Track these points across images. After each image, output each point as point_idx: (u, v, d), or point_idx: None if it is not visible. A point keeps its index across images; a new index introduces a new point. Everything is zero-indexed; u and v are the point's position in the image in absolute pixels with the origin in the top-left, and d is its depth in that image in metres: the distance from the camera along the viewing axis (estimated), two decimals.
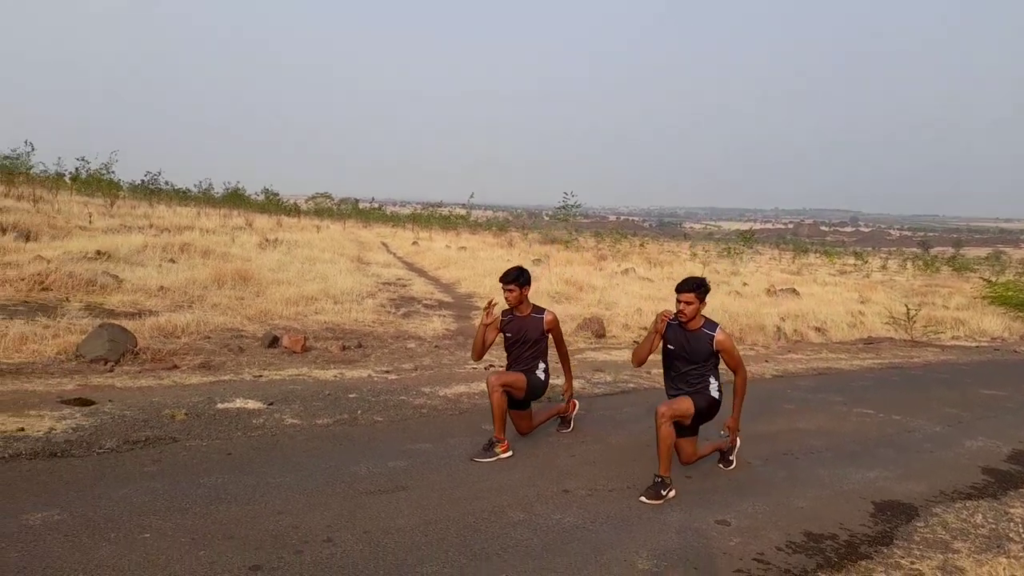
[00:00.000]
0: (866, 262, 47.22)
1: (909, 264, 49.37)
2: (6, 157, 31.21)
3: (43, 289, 9.98)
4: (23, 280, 10.06)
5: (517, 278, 5.16)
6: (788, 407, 7.34)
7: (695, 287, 4.63)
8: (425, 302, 14.07)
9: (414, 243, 33.71)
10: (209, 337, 8.69)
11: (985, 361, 12.08)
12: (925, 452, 6.02)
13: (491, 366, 8.11)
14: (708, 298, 4.80)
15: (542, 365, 5.32)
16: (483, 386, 5.99)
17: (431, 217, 65.68)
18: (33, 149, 31.59)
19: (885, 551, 3.91)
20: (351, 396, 6.35)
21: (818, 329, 14.33)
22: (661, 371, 5.02)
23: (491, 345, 5.33)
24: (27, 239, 13.98)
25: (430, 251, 27.90)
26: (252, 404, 5.79)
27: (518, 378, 5.16)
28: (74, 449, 4.49)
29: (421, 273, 20.22)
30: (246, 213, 36.34)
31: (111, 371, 6.72)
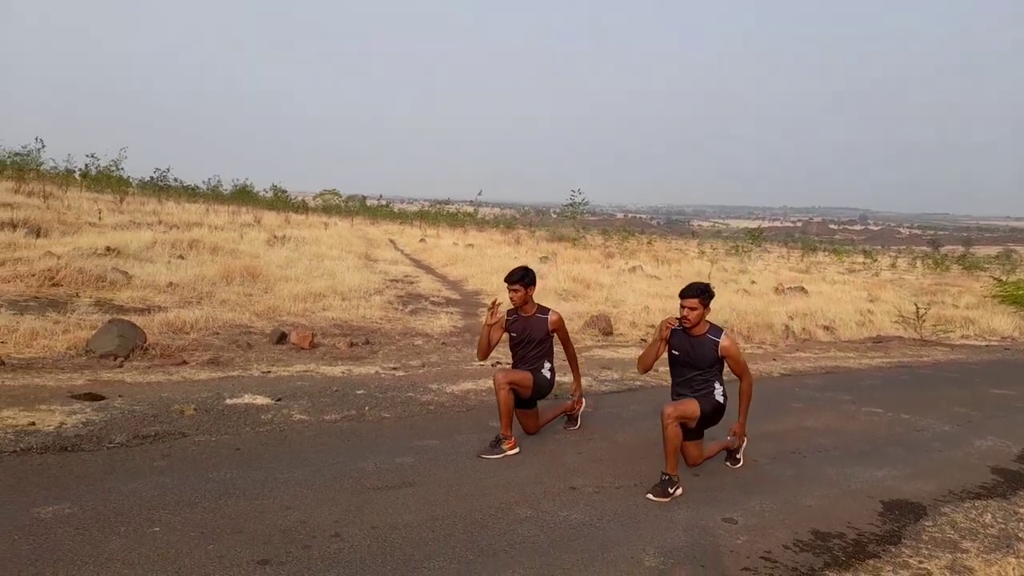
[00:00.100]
0: (875, 260, 46.98)
1: (919, 263, 49.10)
2: (17, 154, 31.40)
3: (53, 285, 10.05)
4: (34, 276, 10.13)
5: (522, 278, 5.15)
6: (796, 405, 7.32)
7: (698, 293, 4.60)
8: (432, 299, 14.09)
9: (421, 240, 33.75)
10: (218, 333, 8.73)
11: (995, 360, 12.00)
12: (934, 451, 6.00)
13: (498, 363, 8.11)
14: (714, 298, 4.79)
15: (548, 364, 5.32)
16: (490, 383, 6.00)
17: (439, 214, 65.72)
18: (43, 146, 31.77)
19: (893, 550, 3.90)
20: (359, 392, 6.36)
21: (826, 327, 14.28)
22: (668, 368, 5.01)
23: (496, 344, 5.33)
24: (37, 235, 14.06)
25: (437, 248, 27.92)
26: (260, 400, 5.82)
27: (525, 376, 5.16)
28: (84, 443, 4.52)
29: (428, 270, 20.25)
30: (254, 210, 36.42)
31: (121, 366, 6.76)
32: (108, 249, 12.98)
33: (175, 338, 8.16)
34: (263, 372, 6.98)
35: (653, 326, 4.44)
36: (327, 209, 58.38)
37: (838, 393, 8.06)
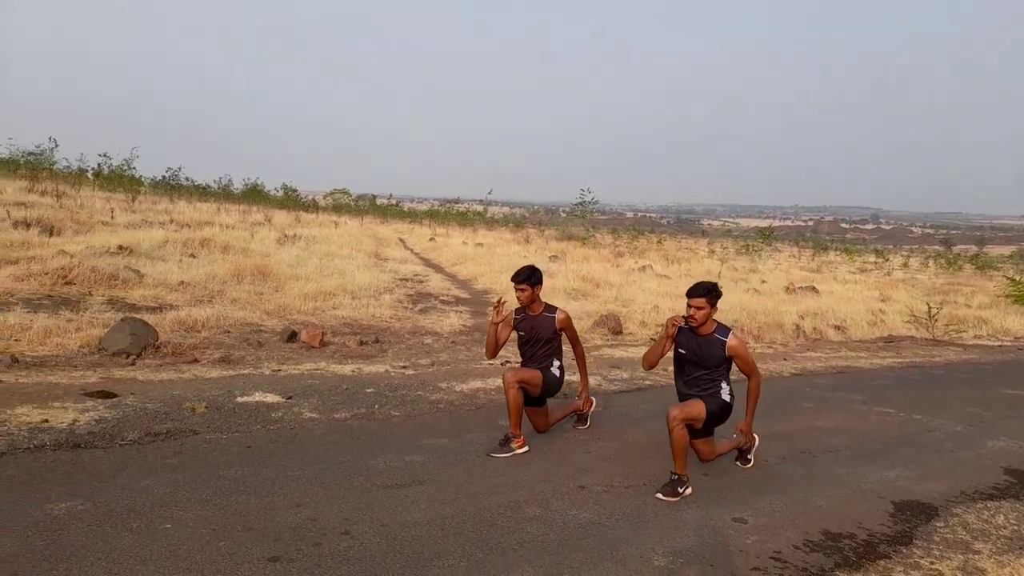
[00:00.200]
0: (887, 260, 46.65)
1: (931, 262, 48.74)
2: (30, 153, 31.68)
3: (66, 283, 10.13)
4: (47, 274, 10.21)
5: (529, 277, 5.15)
6: (807, 405, 7.29)
7: (706, 292, 4.58)
8: (442, 298, 14.12)
9: (431, 239, 33.79)
10: (229, 331, 8.78)
11: (1008, 361, 11.91)
12: (946, 452, 5.96)
13: (507, 362, 8.12)
14: (723, 296, 4.77)
15: (557, 363, 5.32)
16: (499, 382, 6.01)
17: (448, 213, 65.78)
18: (56, 145, 32.06)
19: (904, 551, 3.88)
20: (368, 391, 6.39)
21: (838, 327, 14.20)
22: (673, 368, 4.99)
23: (504, 343, 5.34)
24: (51, 234, 14.18)
25: (447, 247, 27.95)
26: (271, 398, 5.85)
27: (534, 375, 5.17)
28: (97, 440, 4.56)
29: (438, 269, 20.28)
30: (265, 209, 36.57)
31: (133, 364, 6.81)
32: (120, 248, 13.07)
33: (187, 336, 8.21)
34: (273, 370, 7.02)
35: (662, 326, 4.45)
36: (337, 208, 58.55)
37: (849, 393, 8.02)
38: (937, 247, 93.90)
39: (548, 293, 11.63)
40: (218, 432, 4.96)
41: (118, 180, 32.87)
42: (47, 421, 4.75)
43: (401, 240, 32.87)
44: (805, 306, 15.65)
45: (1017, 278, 24.20)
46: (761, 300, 16.01)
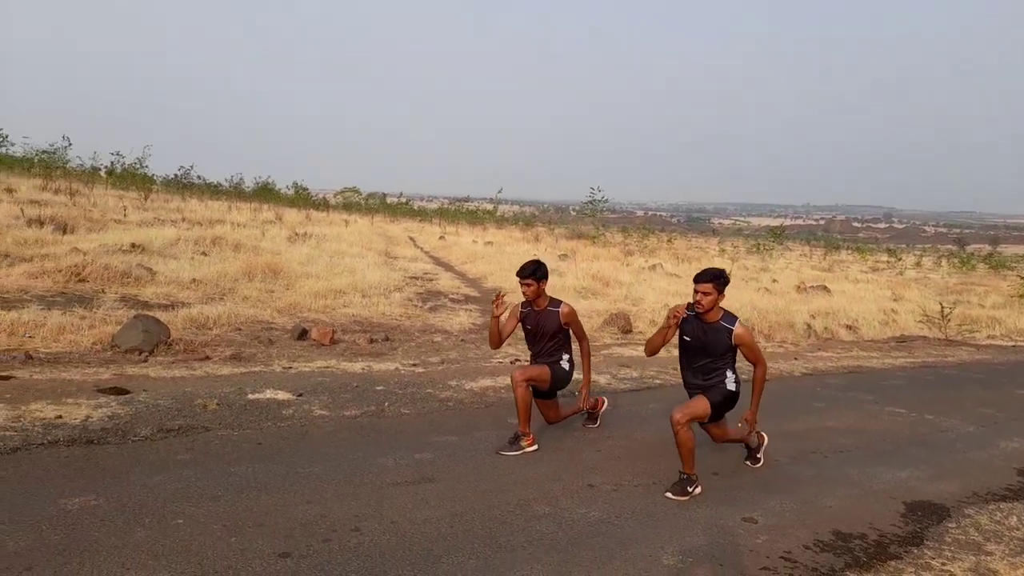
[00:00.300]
0: (900, 259, 46.33)
1: (944, 261, 48.40)
2: (44, 152, 31.94)
3: (80, 281, 10.21)
4: (60, 272, 10.30)
5: (534, 272, 5.11)
6: (817, 405, 7.26)
7: (713, 278, 4.49)
8: (452, 296, 14.14)
9: (441, 238, 33.83)
10: (240, 329, 8.83)
11: (1022, 361, 11.81)
12: (958, 452, 5.92)
13: (516, 360, 8.13)
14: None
15: (566, 356, 5.30)
16: (509, 380, 6.01)
17: (458, 212, 65.80)
18: (70, 144, 32.30)
19: (915, 552, 3.86)
20: (378, 388, 6.41)
21: (849, 327, 14.13)
22: (679, 356, 4.91)
23: (509, 335, 5.30)
24: (64, 232, 14.30)
25: (457, 246, 27.97)
26: (282, 395, 5.88)
27: (542, 372, 5.16)
28: (110, 437, 4.60)
29: (448, 267, 20.30)
30: (276, 207, 36.70)
31: (145, 361, 6.86)
32: (133, 246, 13.16)
33: (198, 334, 8.27)
34: (284, 368, 7.05)
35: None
36: (348, 207, 58.68)
37: (860, 393, 7.98)
38: (950, 246, 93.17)
39: (558, 292, 11.63)
40: (229, 429, 4.99)
41: (131, 178, 33.07)
42: (61, 417, 4.79)
43: (411, 238, 32.92)
44: (816, 305, 15.58)
45: None
46: (772, 299, 15.95)
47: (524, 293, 5.19)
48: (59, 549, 3.14)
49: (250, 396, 5.77)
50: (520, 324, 5.33)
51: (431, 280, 16.44)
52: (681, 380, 4.90)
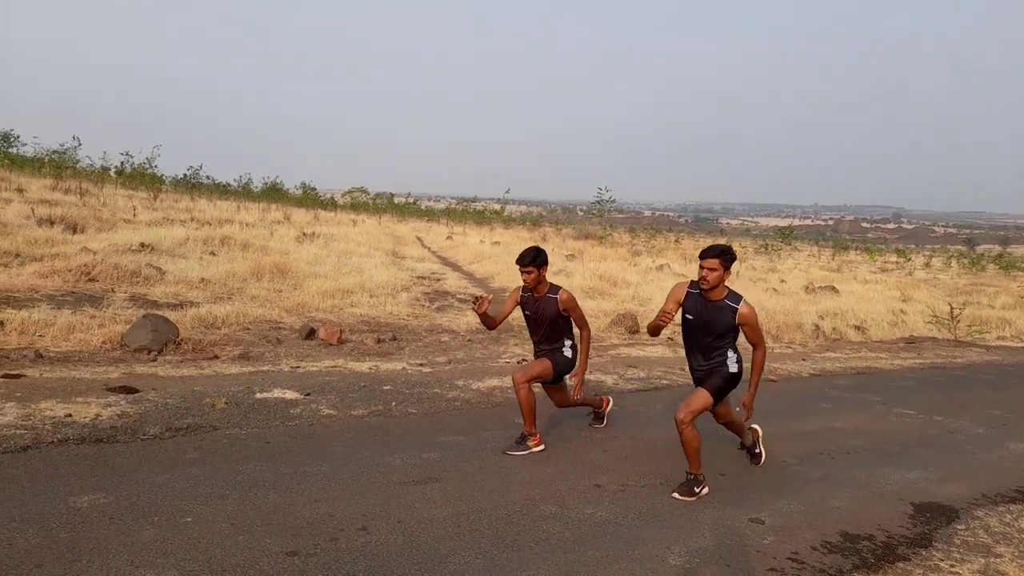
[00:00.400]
0: (909, 260, 46.09)
1: (954, 262, 48.08)
2: (55, 152, 32.16)
3: (90, 280, 10.28)
4: (71, 271, 10.36)
5: (534, 259, 5.03)
6: (825, 406, 7.23)
7: (720, 253, 4.35)
8: (459, 296, 14.14)
9: (448, 238, 33.85)
10: (248, 328, 8.87)
11: None
12: (967, 454, 5.89)
13: (523, 360, 8.13)
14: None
15: (568, 342, 5.23)
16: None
17: (465, 212, 65.80)
18: (80, 144, 32.53)
19: (924, 553, 3.84)
20: (386, 388, 6.42)
21: (858, 328, 14.07)
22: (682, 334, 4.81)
23: (505, 318, 5.25)
24: (74, 231, 14.39)
25: (464, 246, 27.98)
26: (290, 394, 5.90)
27: (543, 369, 5.09)
28: (119, 435, 4.62)
29: (455, 267, 20.31)
30: (284, 207, 36.81)
31: (154, 360, 6.90)
32: (142, 245, 13.24)
33: (207, 333, 8.31)
34: (292, 367, 7.08)
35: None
36: (355, 206, 58.80)
37: (869, 394, 7.94)
38: (960, 247, 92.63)
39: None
40: (237, 428, 5.01)
41: (140, 178, 33.26)
42: (71, 415, 4.83)
43: (418, 238, 32.95)
44: (825, 306, 15.52)
45: None
46: (780, 300, 15.89)
47: (524, 280, 5.11)
48: (69, 547, 3.16)
49: (258, 395, 5.79)
50: (520, 309, 5.29)
51: (438, 280, 16.46)
52: (688, 368, 4.83)
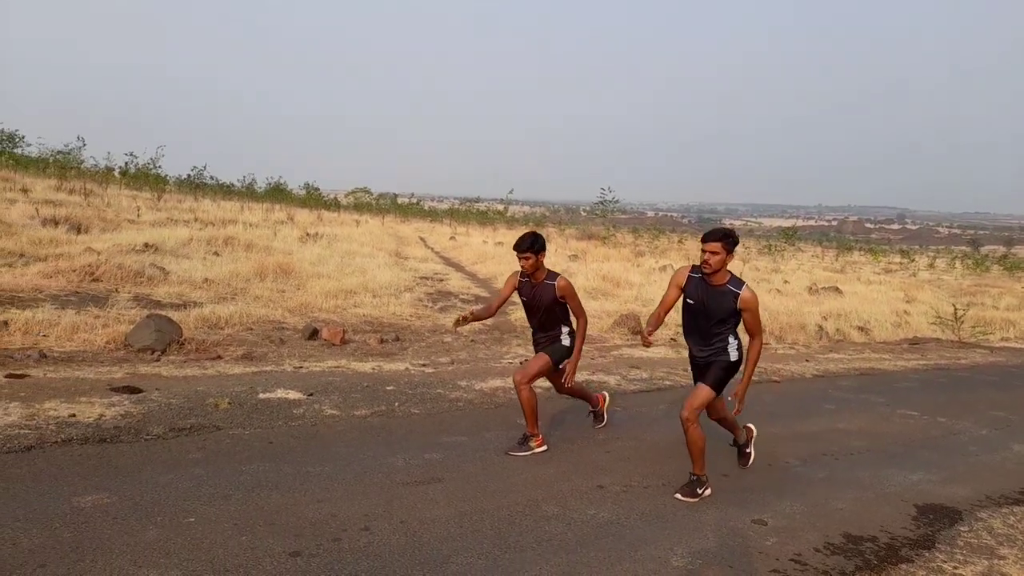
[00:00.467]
0: (913, 260, 46.00)
1: (958, 263, 47.98)
2: (59, 152, 32.24)
3: (94, 280, 10.30)
4: (75, 271, 10.39)
5: (532, 245, 4.94)
6: (828, 407, 7.22)
7: (722, 237, 4.27)
8: (462, 297, 14.15)
9: (451, 238, 33.88)
10: (251, 329, 8.88)
11: None
12: (971, 455, 5.88)
13: (525, 360, 8.12)
14: (739, 244, 4.43)
15: (566, 329, 5.17)
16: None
17: (468, 212, 65.83)
18: (84, 145, 32.61)
19: (927, 555, 3.84)
20: (388, 388, 6.43)
21: (861, 328, 14.04)
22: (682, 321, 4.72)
23: (503, 302, 5.17)
24: (78, 232, 14.43)
25: (467, 246, 27.99)
26: (293, 395, 5.91)
27: (542, 365, 5.05)
28: (123, 435, 4.63)
29: (458, 268, 20.32)
30: (288, 207, 36.89)
31: (158, 360, 6.91)
32: (146, 246, 13.27)
33: (210, 333, 8.32)
34: (295, 367, 7.09)
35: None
36: (359, 207, 58.88)
37: (872, 395, 7.93)
38: (964, 248, 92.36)
39: None
40: (241, 428, 5.02)
41: (144, 179, 33.34)
42: (75, 415, 4.84)
43: (422, 239, 32.99)
44: (828, 307, 15.49)
45: None
46: (783, 300, 15.87)
47: (522, 266, 5.04)
48: (72, 546, 3.17)
49: (261, 395, 5.80)
50: (517, 295, 5.22)
51: (441, 280, 16.47)
52: (688, 352, 4.76)
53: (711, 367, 4.51)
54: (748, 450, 5.14)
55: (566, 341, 5.15)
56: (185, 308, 9.21)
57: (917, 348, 12.76)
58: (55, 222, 14.68)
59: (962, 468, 5.48)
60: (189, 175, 43.47)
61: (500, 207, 67.76)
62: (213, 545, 3.30)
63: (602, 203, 35.42)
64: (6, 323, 7.28)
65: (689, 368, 4.86)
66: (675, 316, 5.17)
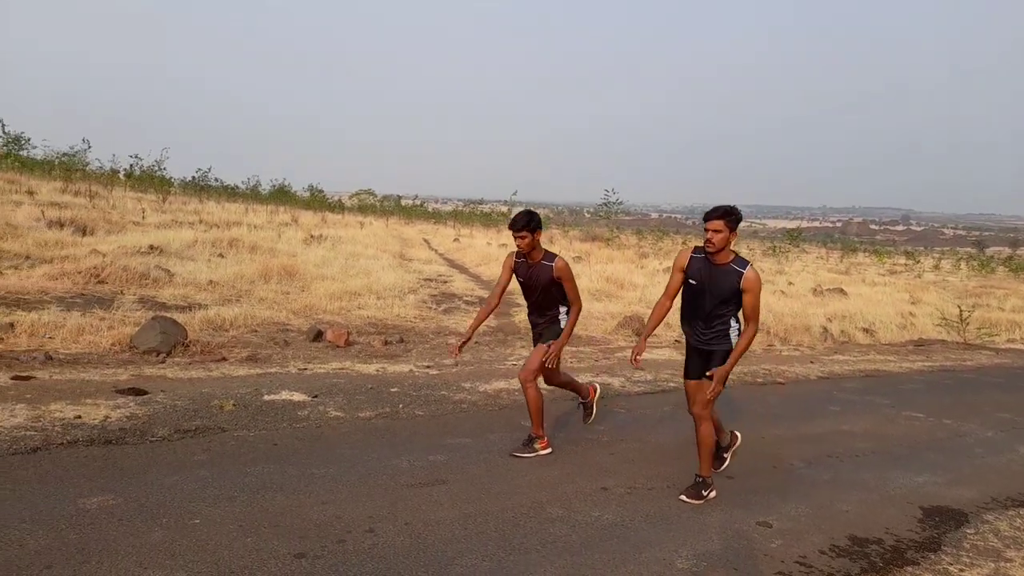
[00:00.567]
0: (918, 262, 45.86)
1: (963, 264, 47.83)
2: (64, 155, 32.35)
3: (99, 282, 10.33)
4: (80, 273, 10.42)
5: (527, 223, 4.86)
6: (833, 409, 7.20)
7: (724, 214, 4.14)
8: (466, 298, 14.15)
9: (455, 240, 33.88)
10: (256, 330, 8.89)
11: None
12: (976, 457, 5.86)
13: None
14: (742, 222, 4.31)
15: (563, 309, 5.11)
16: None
17: (472, 214, 65.86)
18: (89, 147, 32.73)
19: (933, 557, 3.83)
20: (393, 390, 6.43)
21: (866, 330, 14.01)
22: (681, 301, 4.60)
23: (504, 288, 5.12)
24: (84, 234, 14.47)
25: (471, 248, 27.98)
26: (297, 396, 5.92)
27: (542, 356, 5.02)
28: (128, 437, 4.65)
29: (462, 269, 20.33)
30: (292, 209, 36.90)
31: (163, 362, 6.93)
32: (151, 247, 13.30)
33: (215, 335, 8.34)
34: (300, 369, 7.10)
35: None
36: (363, 209, 58.92)
37: (877, 397, 7.91)
38: (969, 249, 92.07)
39: None
40: (245, 430, 5.03)
41: (149, 181, 33.41)
42: (80, 417, 4.85)
43: (426, 241, 33.00)
44: (833, 308, 15.46)
45: None
46: (788, 302, 15.84)
47: (518, 246, 4.96)
48: (78, 548, 3.18)
49: (266, 397, 5.81)
50: (514, 275, 5.14)
51: (445, 282, 16.48)
52: (684, 340, 4.62)
53: (713, 355, 4.37)
54: (726, 454, 5.02)
55: (563, 325, 5.09)
56: (190, 310, 9.23)
57: (922, 350, 12.72)
58: (60, 224, 14.72)
59: (968, 470, 5.46)
60: (194, 177, 43.56)
61: (504, 209, 67.81)
62: (218, 547, 3.30)
63: (606, 205, 35.40)
64: (12, 325, 7.30)
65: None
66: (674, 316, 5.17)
